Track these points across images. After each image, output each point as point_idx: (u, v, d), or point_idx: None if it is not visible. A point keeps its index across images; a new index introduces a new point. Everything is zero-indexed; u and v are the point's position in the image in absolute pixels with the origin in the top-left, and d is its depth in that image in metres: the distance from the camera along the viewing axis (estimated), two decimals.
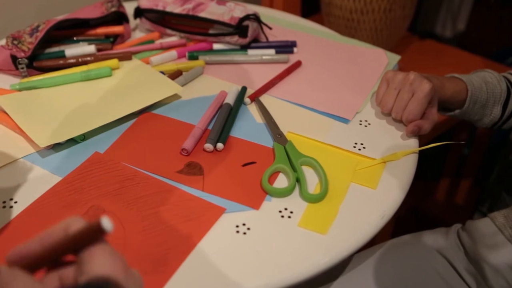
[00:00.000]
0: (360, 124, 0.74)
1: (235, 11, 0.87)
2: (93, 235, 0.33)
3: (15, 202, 0.60)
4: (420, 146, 0.71)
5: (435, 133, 1.21)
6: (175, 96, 0.78)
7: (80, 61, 0.81)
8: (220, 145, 0.67)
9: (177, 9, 0.89)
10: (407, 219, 1.53)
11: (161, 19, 0.92)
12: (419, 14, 1.69)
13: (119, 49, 0.87)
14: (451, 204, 1.56)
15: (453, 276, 0.75)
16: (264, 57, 0.87)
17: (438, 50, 1.46)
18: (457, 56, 1.43)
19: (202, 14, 0.88)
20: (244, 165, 0.65)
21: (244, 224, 0.58)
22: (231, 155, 0.67)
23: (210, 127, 0.71)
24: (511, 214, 0.73)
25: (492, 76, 0.78)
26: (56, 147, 0.68)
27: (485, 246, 0.73)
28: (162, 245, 0.55)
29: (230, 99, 0.75)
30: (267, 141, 0.70)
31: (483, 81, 0.77)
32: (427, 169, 1.71)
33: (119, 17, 0.90)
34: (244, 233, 0.57)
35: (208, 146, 0.67)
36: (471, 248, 0.74)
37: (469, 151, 1.54)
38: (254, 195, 0.61)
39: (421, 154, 0.70)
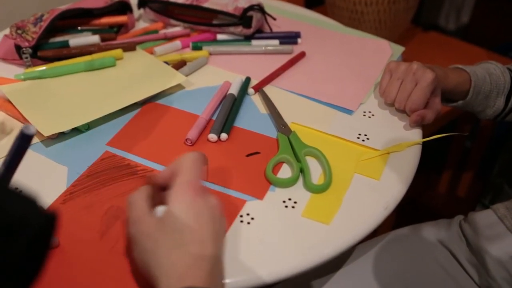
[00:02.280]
0: (364, 115, 0.74)
1: (239, 2, 0.87)
2: None
3: (20, 192, 0.60)
4: (423, 138, 0.71)
5: (438, 125, 1.21)
6: (179, 86, 0.78)
7: (84, 51, 0.81)
8: (224, 135, 0.67)
9: None
10: (409, 212, 1.53)
11: (165, 9, 0.92)
12: (423, 6, 1.68)
13: (123, 39, 0.87)
14: (453, 197, 1.57)
15: (455, 267, 0.75)
16: (268, 48, 0.87)
17: (442, 42, 1.45)
18: (460, 48, 1.43)
19: (206, 5, 0.88)
20: (248, 155, 0.66)
21: (248, 214, 0.58)
22: (235, 145, 0.67)
23: (214, 118, 0.71)
24: None
25: (496, 67, 0.78)
26: (60, 136, 0.68)
27: (487, 237, 0.73)
28: None
29: (234, 90, 0.75)
30: (271, 131, 0.70)
31: (486, 72, 0.77)
32: (429, 162, 1.72)
33: (123, 7, 0.90)
34: (248, 223, 0.57)
35: (212, 136, 0.67)
36: (473, 239, 0.74)
37: (472, 144, 1.54)
38: (258, 185, 0.61)
39: (424, 146, 0.70)
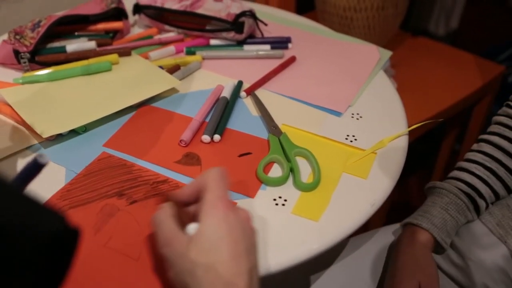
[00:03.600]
0: (352, 117, 0.76)
1: (231, 8, 0.90)
2: None
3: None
4: (409, 142, 0.73)
5: (426, 128, 1.24)
6: (173, 90, 0.80)
7: (81, 56, 0.83)
8: (217, 137, 0.69)
9: (175, 6, 0.91)
10: (401, 213, 1.56)
11: (160, 15, 0.95)
12: (412, 12, 1.72)
13: (118, 44, 0.90)
14: None
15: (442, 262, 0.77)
16: (259, 53, 0.89)
17: (431, 48, 1.48)
18: (449, 53, 1.46)
19: (200, 11, 0.90)
20: (240, 155, 0.68)
21: None
22: (227, 146, 0.70)
23: (207, 120, 0.74)
24: (499, 213, 0.75)
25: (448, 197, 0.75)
26: (58, 138, 0.70)
27: (475, 244, 0.75)
28: None
29: (226, 93, 0.78)
30: (262, 133, 0.72)
31: (443, 210, 0.74)
32: (420, 164, 1.75)
33: (119, 13, 0.92)
34: None
35: (206, 138, 0.69)
36: (457, 240, 0.76)
37: (460, 146, 1.57)
38: (249, 184, 0.64)
39: (413, 149, 0.72)
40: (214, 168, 0.50)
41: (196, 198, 0.50)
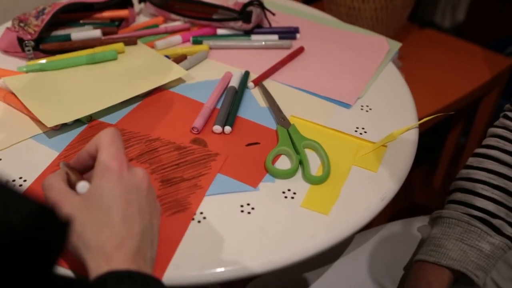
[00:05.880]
0: (362, 109, 0.75)
1: None
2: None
3: (24, 181, 0.61)
4: (419, 136, 0.72)
5: (432, 122, 1.23)
6: (180, 80, 0.79)
7: (86, 45, 0.82)
8: (227, 128, 0.68)
9: None
10: (404, 206, 1.55)
11: (165, 4, 0.93)
12: (420, 3, 1.70)
13: (124, 33, 0.88)
14: (448, 192, 1.58)
15: None
16: (267, 43, 0.88)
17: (438, 39, 1.47)
18: (456, 45, 1.45)
19: None
20: (248, 145, 0.67)
21: (248, 204, 0.59)
22: (235, 134, 0.69)
23: (217, 106, 0.73)
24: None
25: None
26: (63, 127, 0.69)
27: None
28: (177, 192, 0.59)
29: (234, 83, 0.77)
30: (271, 124, 0.71)
31: (458, 241, 0.65)
32: (425, 158, 1.74)
33: (124, 1, 0.91)
34: (249, 213, 0.58)
35: (217, 128, 0.68)
36: None
37: (466, 140, 1.56)
38: (253, 174, 0.63)
39: (419, 143, 0.71)
40: (107, 129, 0.50)
41: (93, 161, 0.49)
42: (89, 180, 0.48)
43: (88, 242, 0.44)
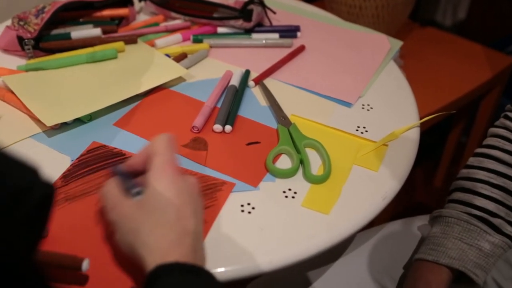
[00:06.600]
0: (363, 108, 0.75)
1: None
2: None
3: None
4: (420, 135, 0.71)
5: (434, 121, 1.22)
6: (180, 79, 0.79)
7: (86, 43, 0.82)
8: (228, 127, 0.68)
9: None
10: (404, 205, 1.55)
11: (166, 2, 0.93)
12: (421, 2, 1.69)
13: (124, 31, 0.88)
14: (448, 191, 1.58)
15: None
16: (268, 41, 0.88)
17: (439, 38, 1.47)
18: (457, 44, 1.44)
19: None
20: (248, 144, 0.67)
21: (249, 204, 0.59)
22: (236, 133, 0.69)
23: (218, 105, 0.73)
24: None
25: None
26: (62, 127, 0.69)
27: None
28: None
29: (235, 81, 0.77)
30: (271, 123, 0.71)
31: (457, 240, 0.65)
32: (425, 157, 1.73)
33: (124, 0, 0.90)
34: (249, 212, 0.58)
35: (218, 127, 0.68)
36: None
37: (467, 139, 1.56)
38: (254, 173, 0.63)
39: (420, 142, 0.71)
40: (162, 135, 0.51)
41: (146, 167, 0.50)
42: (140, 185, 0.50)
43: (145, 239, 0.45)
